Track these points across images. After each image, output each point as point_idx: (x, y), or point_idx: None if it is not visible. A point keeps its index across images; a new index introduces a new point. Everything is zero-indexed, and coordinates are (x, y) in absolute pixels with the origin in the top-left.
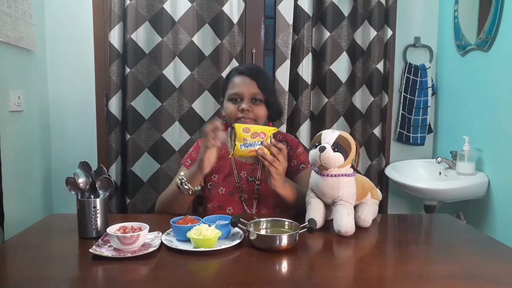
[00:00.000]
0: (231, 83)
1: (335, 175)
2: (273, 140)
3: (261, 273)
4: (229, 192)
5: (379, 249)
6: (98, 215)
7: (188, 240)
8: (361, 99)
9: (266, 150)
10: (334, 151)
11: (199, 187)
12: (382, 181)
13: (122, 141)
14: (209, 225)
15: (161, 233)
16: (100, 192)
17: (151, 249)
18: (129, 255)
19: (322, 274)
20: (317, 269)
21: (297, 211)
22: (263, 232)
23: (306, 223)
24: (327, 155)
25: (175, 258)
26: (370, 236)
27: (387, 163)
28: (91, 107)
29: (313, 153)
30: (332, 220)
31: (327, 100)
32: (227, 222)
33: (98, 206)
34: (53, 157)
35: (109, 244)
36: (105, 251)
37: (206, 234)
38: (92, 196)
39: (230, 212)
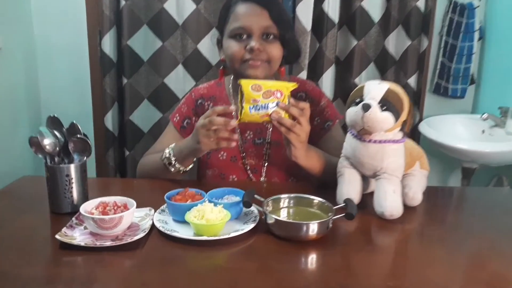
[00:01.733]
0: (233, 14)
1: (379, 141)
2: (292, 99)
3: (281, 274)
4: (232, 157)
5: (439, 240)
6: (73, 185)
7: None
8: (396, 42)
9: (283, 113)
10: (382, 109)
11: (192, 165)
12: (414, 138)
13: (118, 87)
14: (215, 204)
15: (153, 211)
16: (75, 156)
17: (137, 236)
18: (109, 243)
19: (366, 282)
20: (358, 270)
21: (322, 182)
22: (284, 213)
23: (342, 203)
24: (373, 116)
25: (169, 248)
26: (420, 219)
27: (421, 118)
28: (83, 47)
29: (353, 112)
30: (371, 195)
31: (356, 42)
32: (237, 199)
33: (72, 174)
34: (43, 105)
35: (85, 224)
36: (78, 236)
37: (211, 218)
38: (65, 161)
39: (234, 180)
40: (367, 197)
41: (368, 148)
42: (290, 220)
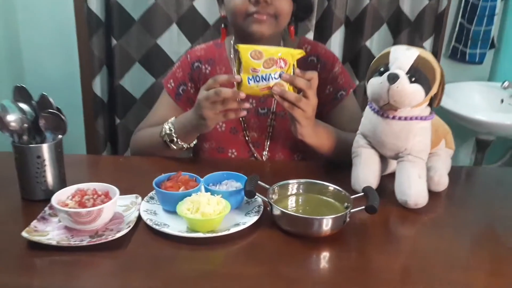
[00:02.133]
0: None
1: (405, 118)
2: (297, 70)
3: (288, 280)
4: (231, 129)
5: (471, 234)
6: (46, 168)
7: None
8: (412, 1)
9: (286, 85)
10: (411, 81)
11: (195, 141)
12: None
13: (107, 48)
14: (212, 193)
15: (140, 198)
16: (47, 134)
17: (120, 233)
18: (86, 241)
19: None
20: (378, 273)
21: (332, 159)
22: (292, 202)
23: (360, 192)
24: (401, 89)
25: (158, 246)
26: (448, 207)
27: None
28: (67, 2)
29: (377, 84)
30: (390, 177)
31: (368, 1)
32: (238, 185)
33: (44, 155)
34: (26, 68)
35: None
36: (51, 231)
37: (207, 212)
38: (37, 139)
39: (233, 155)
40: (386, 180)
41: (391, 126)
42: (300, 215)
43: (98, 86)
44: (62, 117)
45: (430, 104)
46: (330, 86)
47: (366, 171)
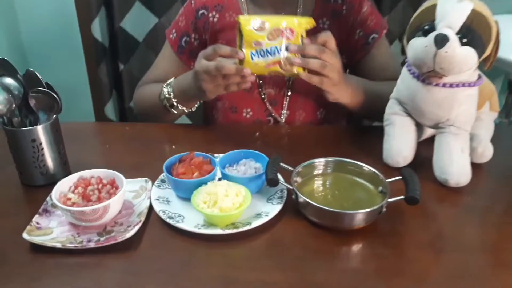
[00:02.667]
0: None
1: (450, 85)
2: (306, 39)
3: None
4: None
5: None
6: (44, 151)
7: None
8: None
9: (296, 58)
10: (462, 43)
11: (197, 104)
12: None
13: None
14: (229, 179)
15: (150, 183)
16: (40, 115)
17: (130, 232)
18: (93, 241)
19: None
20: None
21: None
22: (319, 185)
23: (399, 176)
24: (451, 54)
25: (173, 245)
26: (494, 183)
27: None
28: None
29: (421, 47)
30: (425, 145)
31: None
32: (258, 167)
33: (40, 138)
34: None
35: None
36: (55, 228)
37: (225, 206)
38: (30, 119)
39: (249, 115)
40: (420, 148)
41: (433, 94)
42: (328, 208)
43: (98, 29)
44: (54, 94)
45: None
46: (359, 30)
47: (400, 143)
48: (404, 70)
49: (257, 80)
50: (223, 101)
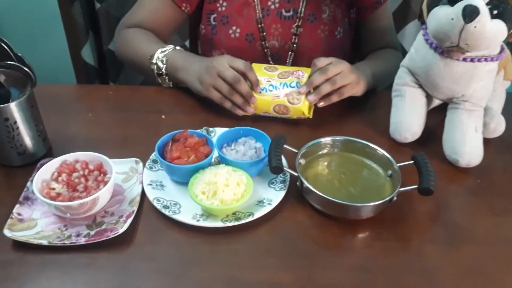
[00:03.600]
0: None
1: (471, 60)
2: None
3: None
4: (247, 35)
5: None
6: (20, 130)
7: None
8: None
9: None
10: (493, 15)
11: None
12: None
13: None
14: (228, 164)
15: (141, 164)
16: (12, 91)
17: (122, 229)
18: (83, 237)
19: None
20: (434, 269)
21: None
22: (324, 167)
23: (410, 161)
24: (480, 29)
25: (168, 237)
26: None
27: None
28: None
29: (446, 19)
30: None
31: None
32: (259, 146)
33: (14, 117)
34: None
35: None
36: (39, 220)
37: (226, 198)
38: (1, 93)
39: None
40: (432, 124)
41: (451, 68)
42: (335, 200)
43: (78, 9)
44: (27, 70)
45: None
46: None
47: (410, 118)
48: (420, 38)
49: (261, 31)
50: (220, 51)
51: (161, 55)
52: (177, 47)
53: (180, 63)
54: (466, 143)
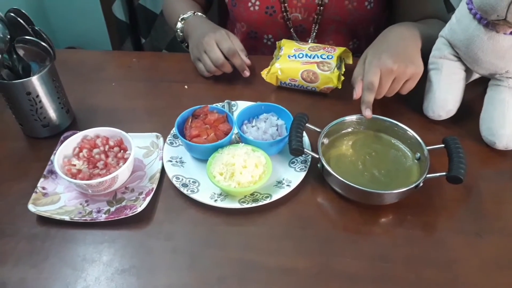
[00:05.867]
0: None
1: None
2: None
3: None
4: (267, 8)
5: None
6: (43, 103)
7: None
8: None
9: (333, 64)
10: None
11: None
12: None
13: None
14: (247, 143)
15: (162, 139)
16: (32, 65)
17: (143, 204)
18: (103, 213)
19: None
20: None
21: None
22: (348, 148)
23: (441, 144)
24: None
25: (187, 218)
26: None
27: None
28: None
29: None
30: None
31: None
32: (281, 123)
33: (37, 91)
34: None
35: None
36: (62, 194)
37: (243, 180)
38: (24, 63)
39: (269, 43)
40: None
41: (496, 42)
42: (358, 186)
43: (120, 9)
44: (45, 44)
45: None
46: None
47: (445, 94)
48: (463, 7)
49: (282, 3)
50: (240, 24)
51: (180, 24)
52: (197, 13)
53: (189, 30)
54: (506, 125)
